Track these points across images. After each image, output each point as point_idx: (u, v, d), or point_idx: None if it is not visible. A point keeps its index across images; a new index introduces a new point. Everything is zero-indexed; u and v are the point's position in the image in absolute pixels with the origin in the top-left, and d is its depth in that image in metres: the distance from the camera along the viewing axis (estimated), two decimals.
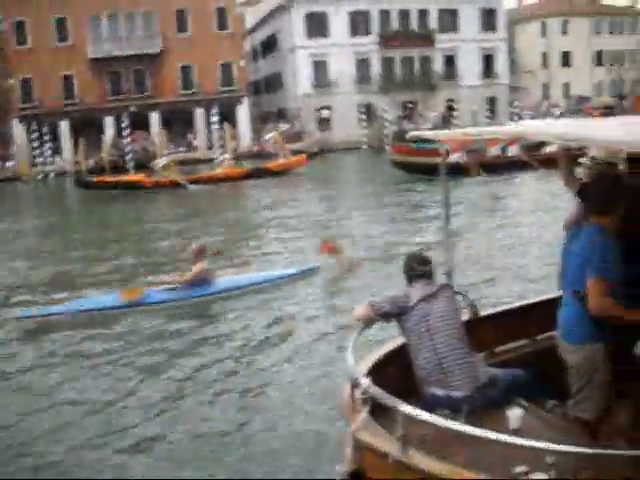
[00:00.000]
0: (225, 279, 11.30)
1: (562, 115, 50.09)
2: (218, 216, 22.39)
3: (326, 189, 28.62)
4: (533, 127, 5.41)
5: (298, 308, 10.18)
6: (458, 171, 25.35)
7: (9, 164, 51.60)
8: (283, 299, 10.66)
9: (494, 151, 27.09)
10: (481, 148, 28.29)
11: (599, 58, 72.54)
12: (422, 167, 27.22)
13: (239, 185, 30.55)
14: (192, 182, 30.81)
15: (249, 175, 32.39)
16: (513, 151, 27.35)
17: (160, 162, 32.53)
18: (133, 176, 33.94)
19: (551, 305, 5.43)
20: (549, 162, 23.00)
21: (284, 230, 18.25)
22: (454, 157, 26.90)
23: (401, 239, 15.18)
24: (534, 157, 26.46)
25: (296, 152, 39.18)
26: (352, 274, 11.80)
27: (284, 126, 50.58)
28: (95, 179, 33.76)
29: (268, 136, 44.80)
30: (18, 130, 52.84)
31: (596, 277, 3.92)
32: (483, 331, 5.12)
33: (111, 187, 31.75)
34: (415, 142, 38.26)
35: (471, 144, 26.32)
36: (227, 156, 34.95)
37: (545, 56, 71.64)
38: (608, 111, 46.85)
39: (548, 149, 27.79)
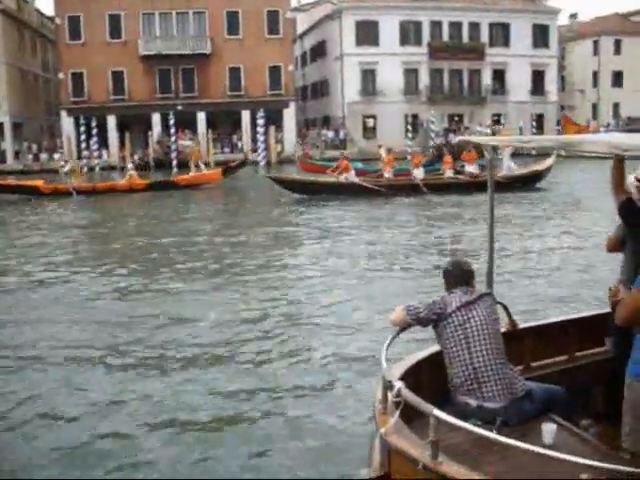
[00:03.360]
0: None
1: None
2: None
3: (212, 205, 26.53)
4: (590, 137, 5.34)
5: None
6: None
7: (56, 156, 52.48)
8: None
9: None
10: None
11: None
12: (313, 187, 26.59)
13: (135, 198, 28.33)
14: (88, 192, 29.25)
15: (151, 187, 30.34)
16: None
17: (65, 167, 30.87)
18: (31, 181, 31.24)
19: (592, 322, 5.33)
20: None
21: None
22: (343, 178, 26.32)
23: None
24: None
25: (219, 164, 37.96)
26: None
27: (194, 138, 50.73)
28: None
29: (184, 144, 43.51)
30: (66, 123, 53.72)
31: None
32: (520, 344, 5.03)
33: (9, 191, 29.51)
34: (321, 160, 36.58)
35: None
36: (130, 166, 32.52)
37: (596, 75, 70.76)
38: None
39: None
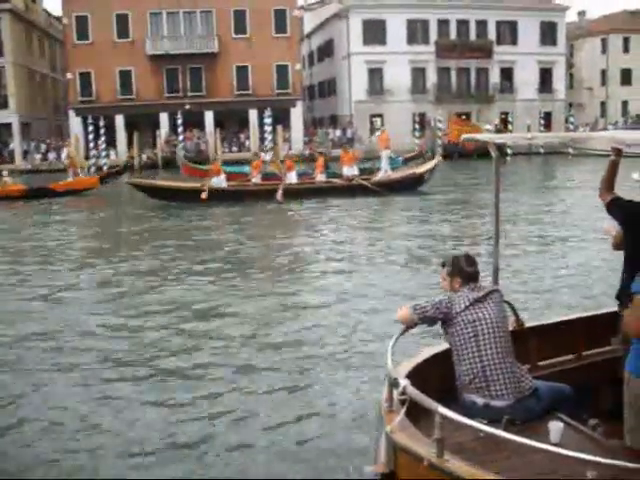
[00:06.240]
0: None
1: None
2: None
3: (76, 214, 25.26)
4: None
5: None
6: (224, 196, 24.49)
7: (64, 155, 52.61)
8: None
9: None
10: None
11: None
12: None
13: (9, 205, 27.12)
14: None
15: (27, 194, 29.27)
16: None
17: None
18: None
19: (599, 321, 5.31)
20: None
21: None
22: (216, 181, 25.02)
23: None
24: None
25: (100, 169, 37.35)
26: None
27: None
28: None
29: (64, 153, 42.64)
30: (75, 123, 53.86)
31: None
32: (527, 343, 5.01)
33: None
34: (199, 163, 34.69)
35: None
36: (5, 172, 30.84)
37: (605, 73, 70.52)
38: None
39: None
